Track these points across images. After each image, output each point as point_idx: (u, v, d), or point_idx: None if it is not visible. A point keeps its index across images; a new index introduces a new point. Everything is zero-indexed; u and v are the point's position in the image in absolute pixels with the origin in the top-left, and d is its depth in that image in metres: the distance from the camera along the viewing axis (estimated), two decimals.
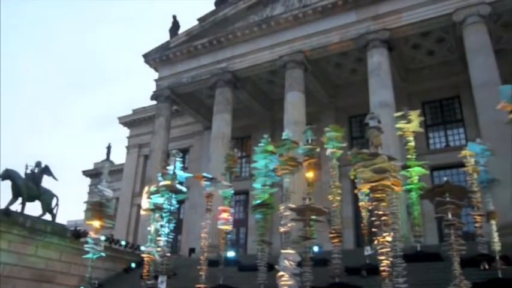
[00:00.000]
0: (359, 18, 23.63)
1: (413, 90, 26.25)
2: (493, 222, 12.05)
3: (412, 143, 14.36)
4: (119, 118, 39.45)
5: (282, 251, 9.61)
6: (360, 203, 13.72)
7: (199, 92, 29.85)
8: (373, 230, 7.97)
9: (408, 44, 24.98)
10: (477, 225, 12.39)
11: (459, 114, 25.62)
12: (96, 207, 12.80)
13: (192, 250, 24.64)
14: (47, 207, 18.96)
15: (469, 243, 9.54)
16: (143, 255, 14.60)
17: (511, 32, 23.79)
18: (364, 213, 13.84)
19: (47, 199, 19.00)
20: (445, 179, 9.06)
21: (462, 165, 13.21)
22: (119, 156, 55.71)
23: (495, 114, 13.86)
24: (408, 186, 13.87)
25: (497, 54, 20.60)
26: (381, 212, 7.69)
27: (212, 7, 29.48)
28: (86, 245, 12.75)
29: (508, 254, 11.66)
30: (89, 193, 42.22)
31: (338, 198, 13.09)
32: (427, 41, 24.82)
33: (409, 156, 14.23)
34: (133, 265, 19.97)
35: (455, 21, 21.44)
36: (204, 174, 15.65)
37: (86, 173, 44.71)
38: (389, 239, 7.75)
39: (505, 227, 15.20)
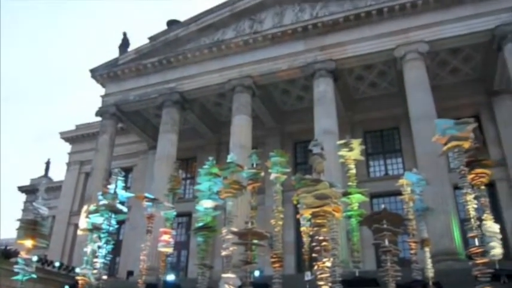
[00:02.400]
0: (307, 48, 24.35)
1: (356, 119, 27.17)
2: (426, 249, 12.53)
3: (353, 171, 14.71)
4: (61, 133, 38.12)
5: (223, 275, 9.54)
6: (302, 228, 13.86)
7: (146, 110, 29.48)
8: (314, 255, 8.07)
9: (352, 75, 25.95)
10: (412, 251, 12.83)
11: (398, 144, 26.71)
12: (30, 226, 12.18)
13: (130, 273, 23.91)
14: None
15: (404, 269, 9.87)
16: (78, 277, 13.94)
17: (447, 70, 25.31)
18: (306, 239, 13.96)
19: None
20: (382, 206, 9.36)
21: (400, 193, 13.71)
22: (58, 173, 53.73)
23: (431, 146, 14.60)
24: (348, 213, 14.13)
25: (433, 90, 21.79)
26: (321, 238, 7.79)
27: (165, 27, 29.50)
28: (15, 266, 12.07)
29: (440, 280, 12.15)
30: (23, 210, 40.24)
31: (280, 222, 13.16)
32: (370, 74, 25.90)
33: (350, 183, 14.55)
34: None
35: (396, 56, 22.60)
36: (146, 194, 15.32)
37: (22, 189, 42.66)
38: (328, 264, 7.85)
39: (438, 254, 15.92)
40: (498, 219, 16.11)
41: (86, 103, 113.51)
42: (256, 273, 13.95)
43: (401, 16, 22.78)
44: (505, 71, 22.56)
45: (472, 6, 21.78)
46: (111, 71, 28.71)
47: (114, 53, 29.65)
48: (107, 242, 13.50)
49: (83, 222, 16.04)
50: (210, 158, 14.08)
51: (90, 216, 14.12)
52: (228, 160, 13.61)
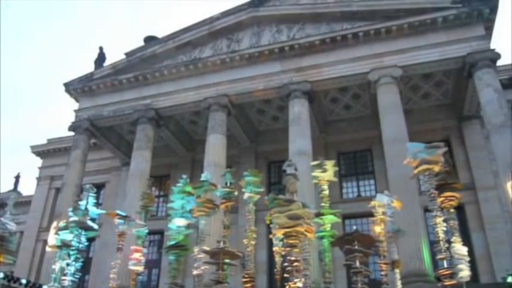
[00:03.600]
0: (283, 69, 24.63)
1: (330, 141, 27.48)
2: (397, 270, 12.64)
3: (327, 192, 14.75)
4: (32, 147, 37.39)
5: None
6: (274, 248, 13.83)
7: (120, 126, 29.20)
8: (286, 275, 8.05)
9: (327, 97, 26.34)
10: (383, 273, 12.92)
11: (371, 166, 27.06)
12: None
13: None
14: None
15: None
16: None
17: (419, 95, 25.94)
18: (278, 259, 13.92)
19: None
20: (354, 227, 9.43)
21: (372, 215, 13.86)
22: (28, 187, 52.43)
23: (402, 168, 14.82)
24: (321, 233, 14.15)
25: (406, 114, 22.27)
26: (293, 258, 7.81)
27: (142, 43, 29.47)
28: None
29: None
30: None
31: (253, 242, 13.10)
32: (345, 96, 26.33)
33: (323, 204, 14.57)
34: None
35: (370, 80, 23.04)
36: (118, 211, 15.09)
37: None
38: (300, 284, 7.85)
39: (407, 276, 16.09)
40: (466, 241, 16.43)
41: (58, 117, 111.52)
42: None
43: (376, 41, 23.33)
44: (474, 97, 23.27)
45: (444, 33, 22.47)
46: (85, 86, 28.41)
47: (90, 68, 29.46)
48: (76, 260, 13.17)
49: (52, 238, 15.64)
50: (184, 176, 13.98)
51: (59, 232, 13.79)
52: (202, 178, 13.54)
